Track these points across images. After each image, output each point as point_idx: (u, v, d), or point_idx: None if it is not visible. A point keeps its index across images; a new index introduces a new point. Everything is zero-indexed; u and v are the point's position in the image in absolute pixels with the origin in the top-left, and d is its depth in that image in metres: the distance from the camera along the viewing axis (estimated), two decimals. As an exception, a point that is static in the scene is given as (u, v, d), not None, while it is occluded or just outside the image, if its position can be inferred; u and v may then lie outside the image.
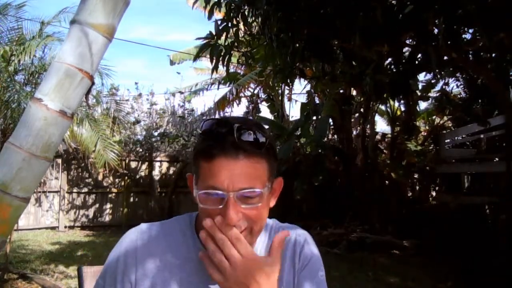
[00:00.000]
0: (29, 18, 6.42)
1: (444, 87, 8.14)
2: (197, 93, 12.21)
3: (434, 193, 10.30)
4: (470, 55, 4.56)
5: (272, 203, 0.90)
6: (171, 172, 10.97)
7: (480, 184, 8.15)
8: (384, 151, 10.03)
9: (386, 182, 9.26)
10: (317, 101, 9.98)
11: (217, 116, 11.02)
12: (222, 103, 11.03)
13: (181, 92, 11.46)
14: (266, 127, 9.23)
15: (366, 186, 9.26)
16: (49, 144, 1.19)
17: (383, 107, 9.82)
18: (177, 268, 0.87)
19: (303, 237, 0.97)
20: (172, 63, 11.77)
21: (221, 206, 0.78)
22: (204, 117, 11.24)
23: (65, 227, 9.62)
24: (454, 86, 8.60)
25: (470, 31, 4.22)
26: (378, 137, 10.03)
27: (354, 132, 9.96)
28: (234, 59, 6.82)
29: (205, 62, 11.70)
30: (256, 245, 0.93)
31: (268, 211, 0.88)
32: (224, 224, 0.78)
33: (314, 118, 9.58)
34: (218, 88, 12.12)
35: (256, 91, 11.54)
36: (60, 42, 6.08)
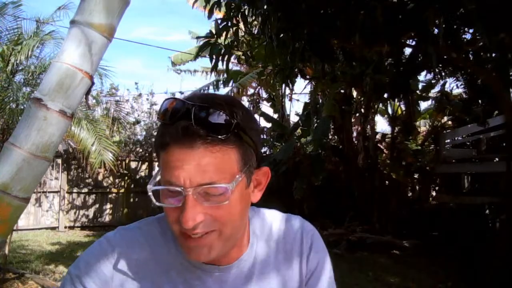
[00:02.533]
0: (26, 17, 6.42)
1: (444, 87, 8.14)
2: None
3: (434, 193, 10.30)
4: (470, 55, 4.56)
5: (256, 197, 0.76)
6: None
7: (480, 184, 8.15)
8: (384, 151, 10.03)
9: (386, 182, 9.26)
10: (319, 101, 9.99)
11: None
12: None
13: (181, 93, 11.47)
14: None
15: (366, 186, 9.27)
16: (49, 144, 1.19)
17: (383, 107, 9.82)
18: (159, 277, 0.75)
19: (310, 235, 0.86)
20: (173, 64, 11.72)
21: (179, 205, 0.65)
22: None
23: (65, 227, 9.63)
24: (454, 86, 8.60)
25: (470, 31, 4.23)
26: (378, 137, 10.03)
27: (354, 132, 9.96)
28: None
29: (206, 63, 11.71)
30: (245, 256, 0.80)
31: (248, 208, 0.75)
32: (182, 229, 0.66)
33: (316, 118, 9.58)
34: (217, 90, 12.09)
35: (257, 91, 11.54)
36: (56, 41, 6.08)
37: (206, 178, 0.64)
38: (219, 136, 0.64)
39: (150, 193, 0.69)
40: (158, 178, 0.69)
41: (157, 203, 0.68)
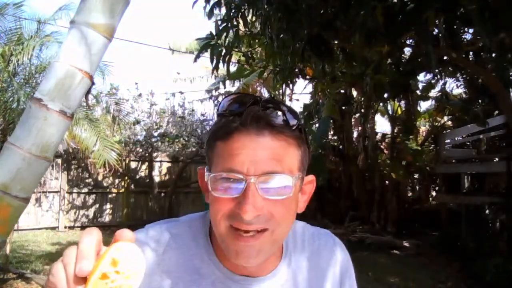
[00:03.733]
0: (27, 17, 6.43)
1: (444, 87, 8.14)
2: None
3: (434, 193, 10.30)
4: (470, 55, 4.56)
5: (302, 207, 0.72)
6: (171, 172, 10.98)
7: (480, 184, 8.15)
8: (384, 151, 10.03)
9: (386, 182, 9.27)
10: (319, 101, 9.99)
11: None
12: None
13: (181, 92, 11.46)
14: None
15: (366, 186, 9.27)
16: (49, 144, 1.19)
17: (383, 107, 9.82)
18: (189, 286, 0.70)
19: (347, 258, 0.84)
20: (172, 52, 11.55)
21: (237, 195, 0.62)
22: (204, 117, 11.26)
23: (65, 227, 9.62)
24: (454, 86, 8.61)
25: (470, 31, 4.23)
26: (378, 137, 10.03)
27: (355, 133, 9.97)
28: (235, 57, 6.82)
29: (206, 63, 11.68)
30: (278, 269, 0.75)
31: (295, 216, 0.70)
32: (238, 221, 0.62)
33: (316, 118, 9.59)
34: (213, 94, 12.10)
35: (260, 90, 11.55)
36: (57, 42, 6.09)
37: (271, 166, 0.62)
38: (287, 128, 0.64)
39: (208, 181, 0.64)
40: (213, 173, 0.65)
41: (213, 192, 0.64)
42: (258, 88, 11.50)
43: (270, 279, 0.74)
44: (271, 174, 0.62)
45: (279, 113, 0.65)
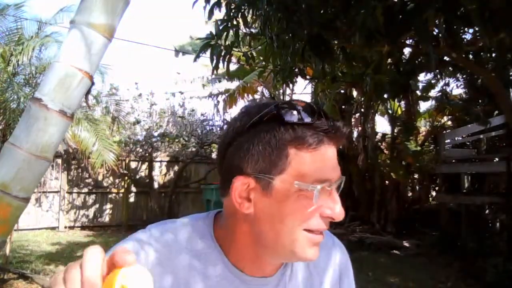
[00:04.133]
0: (28, 18, 6.44)
1: (444, 87, 8.14)
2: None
3: (434, 193, 10.30)
4: (470, 55, 4.56)
5: None
6: (171, 172, 10.98)
7: (480, 184, 8.15)
8: (384, 151, 10.04)
9: (386, 182, 9.27)
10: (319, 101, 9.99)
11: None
12: (230, 101, 10.92)
13: (181, 92, 11.46)
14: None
15: (366, 186, 9.27)
16: (49, 144, 1.19)
17: (383, 108, 9.82)
18: (196, 283, 0.71)
19: (344, 261, 0.88)
20: (177, 54, 11.37)
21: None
22: (204, 117, 11.25)
23: (65, 227, 9.63)
24: (454, 86, 8.61)
25: (470, 31, 4.23)
26: (378, 137, 10.04)
27: (355, 133, 9.96)
28: (235, 57, 6.83)
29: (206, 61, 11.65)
30: (280, 271, 0.78)
31: None
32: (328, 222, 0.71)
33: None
34: (213, 93, 12.08)
35: (260, 89, 11.54)
36: (58, 43, 6.10)
37: (340, 172, 0.72)
38: (343, 136, 0.71)
39: (316, 194, 0.68)
40: (320, 186, 0.69)
41: (317, 203, 0.68)
42: (259, 88, 11.49)
43: (276, 279, 0.76)
44: (341, 180, 0.73)
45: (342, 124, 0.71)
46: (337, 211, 0.70)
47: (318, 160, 0.68)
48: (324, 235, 0.80)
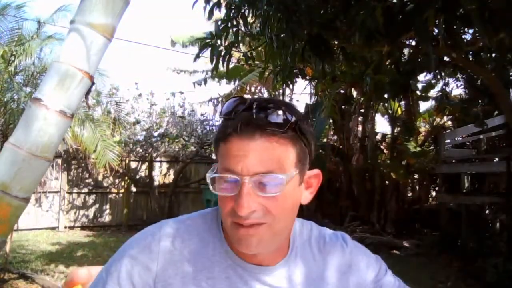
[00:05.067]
0: (28, 18, 6.44)
1: (444, 87, 8.13)
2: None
3: (434, 193, 10.30)
4: (470, 55, 4.56)
5: (307, 199, 0.79)
6: (171, 172, 10.97)
7: (480, 184, 8.15)
8: (384, 151, 10.03)
9: (386, 182, 9.26)
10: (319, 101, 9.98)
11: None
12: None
13: (181, 92, 11.45)
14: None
15: (366, 186, 9.27)
16: (49, 144, 1.19)
17: (383, 108, 9.82)
18: (201, 271, 0.76)
19: (348, 252, 0.89)
20: (173, 44, 11.28)
21: (235, 194, 0.69)
22: (204, 117, 11.26)
23: (65, 227, 9.62)
24: (454, 86, 8.61)
25: (470, 31, 4.22)
26: (378, 137, 10.03)
27: (358, 133, 9.94)
28: (235, 57, 6.82)
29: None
30: (286, 260, 0.80)
31: (297, 208, 0.76)
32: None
33: (314, 118, 9.58)
34: (212, 96, 12.05)
35: (259, 89, 11.53)
36: (59, 42, 6.10)
37: (262, 167, 0.68)
38: (278, 129, 0.68)
39: (208, 181, 0.72)
40: (215, 169, 0.73)
41: (214, 191, 0.72)
42: (258, 88, 11.48)
43: (278, 269, 0.79)
44: (263, 174, 0.68)
45: (275, 113, 0.69)
46: (239, 204, 0.67)
47: (225, 151, 0.70)
48: (331, 235, 0.88)
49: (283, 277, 0.79)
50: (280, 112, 0.69)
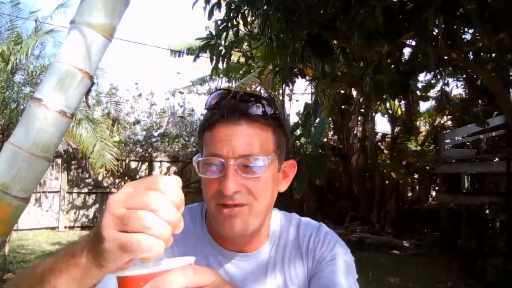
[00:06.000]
0: (24, 17, 6.44)
1: (444, 87, 8.14)
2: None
3: (434, 193, 10.30)
4: (470, 55, 4.56)
5: (284, 187, 0.85)
6: (171, 172, 10.97)
7: (480, 184, 8.15)
8: (384, 151, 10.03)
9: (386, 182, 9.26)
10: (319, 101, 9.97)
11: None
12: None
13: (181, 92, 11.46)
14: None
15: (366, 186, 9.27)
16: (49, 144, 1.19)
17: (383, 108, 9.81)
18: None
19: (325, 251, 0.87)
20: (173, 53, 11.31)
21: (220, 175, 0.73)
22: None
23: (65, 227, 9.63)
24: (454, 86, 8.61)
25: (470, 31, 4.23)
26: (378, 137, 10.03)
27: (358, 133, 9.94)
28: (235, 57, 6.82)
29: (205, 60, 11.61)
30: (264, 248, 0.85)
31: (276, 194, 0.82)
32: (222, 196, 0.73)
33: (313, 118, 9.58)
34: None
35: (258, 89, 11.52)
36: (54, 39, 6.09)
37: (246, 150, 0.73)
38: (261, 116, 0.75)
39: (194, 164, 0.77)
40: (200, 156, 0.78)
41: (200, 175, 0.76)
42: (258, 88, 11.48)
43: (256, 256, 0.84)
44: (247, 156, 0.73)
45: (256, 104, 0.75)
46: (224, 184, 0.72)
47: (210, 137, 0.76)
48: (309, 225, 0.89)
49: (261, 264, 0.84)
50: (262, 102, 0.76)
